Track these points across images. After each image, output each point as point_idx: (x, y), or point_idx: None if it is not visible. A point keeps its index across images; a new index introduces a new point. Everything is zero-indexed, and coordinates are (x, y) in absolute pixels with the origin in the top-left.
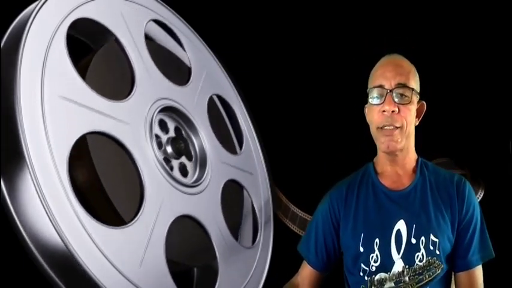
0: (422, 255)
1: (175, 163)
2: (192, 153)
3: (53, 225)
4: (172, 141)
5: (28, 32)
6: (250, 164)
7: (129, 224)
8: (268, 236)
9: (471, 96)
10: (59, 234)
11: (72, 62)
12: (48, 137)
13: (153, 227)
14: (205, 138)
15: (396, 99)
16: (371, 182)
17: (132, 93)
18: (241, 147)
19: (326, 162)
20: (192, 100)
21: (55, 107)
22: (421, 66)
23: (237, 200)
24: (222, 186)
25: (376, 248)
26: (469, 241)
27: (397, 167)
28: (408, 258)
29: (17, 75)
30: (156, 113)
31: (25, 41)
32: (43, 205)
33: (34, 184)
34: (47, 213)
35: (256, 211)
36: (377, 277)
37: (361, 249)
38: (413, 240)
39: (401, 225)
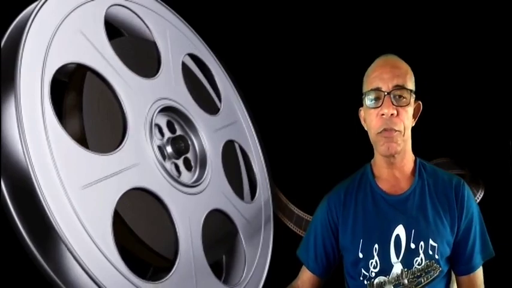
0: (422, 259)
1: (175, 163)
2: (192, 153)
3: (53, 224)
4: (172, 141)
5: (28, 32)
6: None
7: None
8: (268, 236)
9: (471, 96)
10: (59, 234)
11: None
12: (48, 136)
13: None
14: (205, 138)
15: (394, 102)
16: (369, 186)
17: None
18: None
19: (326, 162)
20: (192, 100)
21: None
22: (421, 66)
23: None
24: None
25: (375, 254)
26: (471, 246)
27: (395, 170)
28: (407, 263)
29: (17, 75)
30: (156, 113)
31: (25, 41)
32: (43, 203)
33: (34, 184)
34: (46, 211)
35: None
36: (376, 280)
37: (361, 255)
38: (413, 245)
39: (400, 231)
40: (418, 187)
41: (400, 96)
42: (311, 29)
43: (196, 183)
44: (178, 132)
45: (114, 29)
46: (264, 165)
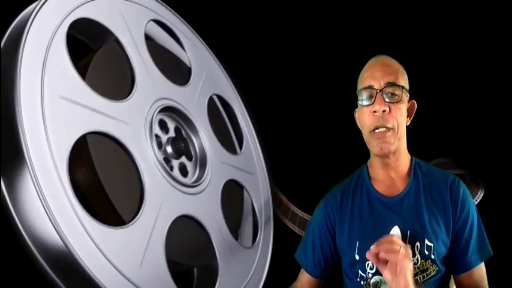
0: (417, 259)
1: (175, 163)
2: (192, 153)
3: (53, 225)
4: (172, 141)
5: (28, 32)
6: (250, 164)
7: (129, 224)
8: (268, 236)
9: (471, 96)
10: (59, 234)
11: (72, 62)
12: (48, 136)
13: (153, 227)
14: (205, 138)
15: (386, 99)
16: (365, 188)
17: (132, 93)
18: (241, 148)
19: (325, 162)
20: (192, 100)
21: (55, 107)
22: (421, 66)
23: (237, 200)
24: (222, 186)
25: None
26: (466, 242)
27: (391, 170)
28: None
29: (17, 75)
30: (156, 113)
31: (25, 41)
32: (43, 205)
33: (34, 184)
34: (47, 213)
35: (256, 211)
36: (372, 280)
37: (357, 257)
38: (408, 246)
39: (396, 232)
40: (413, 188)
41: (392, 93)
42: (311, 29)
43: (196, 183)
44: (178, 132)
45: None
46: (264, 165)
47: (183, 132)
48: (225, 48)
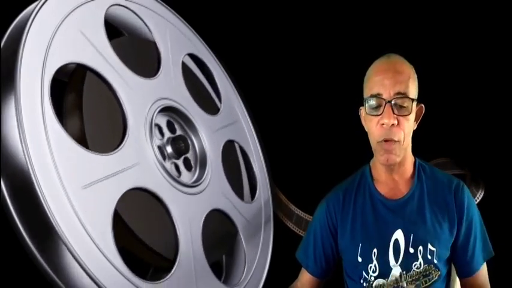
0: (420, 263)
1: (175, 163)
2: (192, 153)
3: (52, 223)
4: (172, 141)
5: (28, 32)
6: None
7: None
8: (268, 237)
9: (471, 96)
10: (58, 233)
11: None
12: (48, 136)
13: None
14: (205, 138)
15: (395, 111)
16: (368, 190)
17: None
18: None
19: (326, 162)
20: (193, 101)
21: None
22: (420, 66)
23: None
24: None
25: (374, 258)
26: (472, 248)
27: (395, 174)
28: (406, 267)
29: (17, 75)
30: (156, 112)
31: (25, 41)
32: (42, 203)
33: (34, 183)
34: (46, 211)
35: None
36: (375, 283)
37: (359, 259)
38: (411, 250)
39: (399, 235)
40: (417, 191)
41: (401, 105)
42: (311, 29)
43: (196, 183)
44: (178, 132)
45: (114, 29)
46: (264, 165)
47: (183, 132)
48: (225, 48)
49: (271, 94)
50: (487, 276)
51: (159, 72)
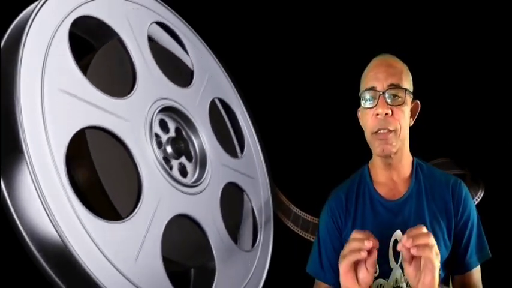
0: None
1: (175, 163)
2: (192, 153)
3: (52, 223)
4: (172, 141)
5: (28, 32)
6: (251, 168)
7: (125, 219)
8: (268, 237)
9: (471, 96)
10: (58, 233)
11: (73, 60)
12: (47, 131)
13: (149, 224)
14: (205, 139)
15: (389, 101)
16: (367, 191)
17: (133, 92)
18: (242, 151)
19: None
20: (193, 102)
21: (55, 102)
22: (420, 66)
23: (236, 203)
24: (221, 188)
25: None
26: (466, 244)
27: (393, 171)
28: None
29: (17, 75)
30: (156, 112)
31: (25, 41)
32: (42, 203)
33: (33, 181)
34: (45, 211)
35: (256, 215)
36: (375, 283)
37: None
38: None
39: (398, 235)
40: (415, 190)
41: (395, 95)
42: (311, 29)
43: (196, 183)
44: (178, 132)
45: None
46: (264, 165)
47: (184, 132)
48: (225, 49)
49: (271, 94)
50: (480, 278)
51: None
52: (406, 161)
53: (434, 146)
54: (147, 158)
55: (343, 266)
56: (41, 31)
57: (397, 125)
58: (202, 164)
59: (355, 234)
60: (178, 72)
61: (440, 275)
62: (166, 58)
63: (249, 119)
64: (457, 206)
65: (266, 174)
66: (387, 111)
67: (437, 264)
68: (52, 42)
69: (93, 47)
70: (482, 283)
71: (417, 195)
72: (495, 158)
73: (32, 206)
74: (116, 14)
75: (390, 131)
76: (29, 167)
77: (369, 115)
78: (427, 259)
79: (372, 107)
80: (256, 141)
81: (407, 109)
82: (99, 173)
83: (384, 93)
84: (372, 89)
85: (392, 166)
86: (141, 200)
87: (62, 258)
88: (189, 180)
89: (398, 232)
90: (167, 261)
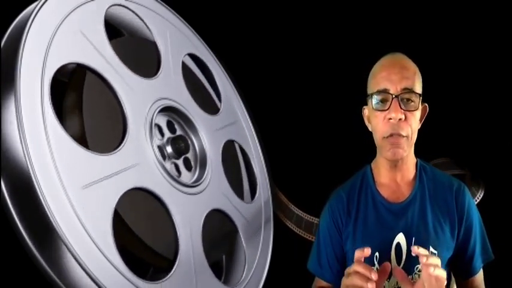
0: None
1: (175, 163)
2: (192, 153)
3: (52, 223)
4: (172, 141)
5: (28, 32)
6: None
7: None
8: (268, 236)
9: (471, 96)
10: (58, 233)
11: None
12: (48, 136)
13: None
14: (205, 139)
15: (403, 106)
16: (370, 192)
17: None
18: None
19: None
20: (193, 102)
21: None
22: (420, 66)
23: None
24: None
25: (376, 262)
26: (472, 250)
27: (397, 173)
28: (408, 269)
29: (17, 75)
30: (156, 112)
31: (25, 41)
32: (42, 203)
33: (34, 183)
34: (46, 211)
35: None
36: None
37: None
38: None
39: (400, 238)
40: (419, 193)
41: (408, 99)
42: (311, 29)
43: (196, 183)
44: (178, 132)
45: (114, 29)
46: (264, 165)
47: (183, 132)
48: (225, 48)
49: (271, 94)
50: (482, 279)
51: (159, 72)
52: (411, 163)
53: (434, 146)
54: (147, 158)
55: None
56: (41, 31)
57: (409, 130)
58: (202, 164)
59: (358, 267)
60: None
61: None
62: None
63: (249, 119)
64: (460, 213)
65: (266, 174)
66: (401, 116)
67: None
68: (52, 42)
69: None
70: (484, 284)
71: (421, 198)
72: (495, 158)
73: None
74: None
75: (403, 136)
76: (29, 166)
77: (380, 118)
78: (439, 280)
79: (384, 110)
80: (256, 141)
81: (418, 114)
82: None
83: (397, 96)
84: (385, 91)
85: (398, 168)
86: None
87: (62, 258)
88: (189, 180)
89: (401, 235)
90: (167, 261)
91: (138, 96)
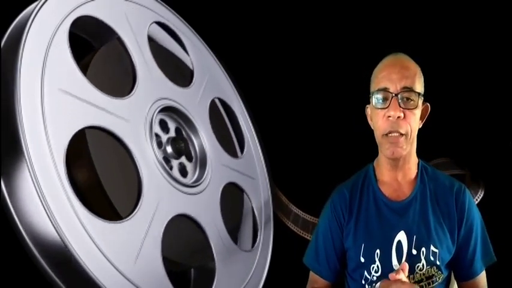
0: (423, 265)
1: (175, 163)
2: (192, 153)
3: (52, 223)
4: (172, 141)
5: (28, 32)
6: (251, 168)
7: (125, 219)
8: (268, 237)
9: (471, 96)
10: (57, 233)
11: (73, 60)
12: (47, 131)
13: (149, 224)
14: (205, 139)
15: (402, 104)
16: (372, 191)
17: (133, 92)
18: (242, 151)
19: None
20: (193, 102)
21: (55, 101)
22: (421, 66)
23: (236, 203)
24: (221, 188)
25: (377, 259)
26: (472, 252)
27: (399, 172)
28: (409, 268)
29: (17, 75)
30: (156, 112)
31: (25, 41)
32: (42, 203)
33: (33, 181)
34: (45, 211)
35: (256, 215)
36: (378, 284)
37: (362, 260)
38: (414, 251)
39: (401, 237)
40: (420, 193)
41: (407, 98)
42: (311, 29)
43: (196, 183)
44: (178, 132)
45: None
46: (264, 165)
47: (184, 132)
48: (225, 49)
49: (271, 94)
50: (485, 282)
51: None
52: (412, 163)
53: (434, 146)
54: (147, 158)
55: None
56: (41, 31)
57: (408, 128)
58: (202, 164)
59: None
60: (178, 72)
61: (443, 277)
62: (166, 58)
63: (249, 119)
64: (460, 214)
65: (266, 174)
66: (399, 114)
67: None
68: (52, 42)
69: (93, 47)
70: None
71: (422, 197)
72: (495, 158)
73: (32, 206)
74: (115, 14)
75: (401, 135)
76: (29, 167)
77: (380, 116)
78: None
79: (384, 108)
80: (256, 141)
81: (418, 112)
82: (99, 173)
83: (396, 95)
84: (385, 89)
85: (399, 167)
86: (141, 200)
87: (62, 258)
88: (189, 180)
89: (402, 233)
90: (167, 261)
91: (138, 96)
